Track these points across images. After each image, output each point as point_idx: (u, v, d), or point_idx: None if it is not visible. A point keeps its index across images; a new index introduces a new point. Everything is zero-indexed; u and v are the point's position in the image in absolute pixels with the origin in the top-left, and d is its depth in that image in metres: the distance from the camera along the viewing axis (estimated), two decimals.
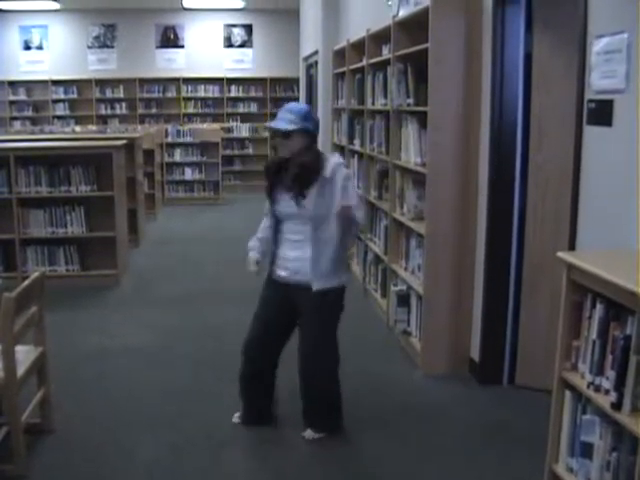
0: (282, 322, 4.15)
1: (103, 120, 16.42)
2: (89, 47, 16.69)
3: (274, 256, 4.10)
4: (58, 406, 4.34)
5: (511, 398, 4.71)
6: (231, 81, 16.93)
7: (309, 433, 4.19)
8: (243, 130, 16.59)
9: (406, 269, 5.77)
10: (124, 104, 16.81)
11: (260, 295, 4.19)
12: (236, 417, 4.34)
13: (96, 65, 16.71)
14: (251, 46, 17.14)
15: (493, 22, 4.63)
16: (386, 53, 6.40)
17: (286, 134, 3.90)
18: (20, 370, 3.68)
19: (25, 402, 3.83)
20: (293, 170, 3.92)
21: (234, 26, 17.05)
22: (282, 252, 4.06)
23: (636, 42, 3.18)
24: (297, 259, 3.99)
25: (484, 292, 4.87)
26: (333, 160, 4.00)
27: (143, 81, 16.68)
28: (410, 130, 5.55)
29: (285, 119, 3.91)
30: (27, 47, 16.57)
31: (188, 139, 14.08)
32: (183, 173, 14.17)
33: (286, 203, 3.98)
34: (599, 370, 2.75)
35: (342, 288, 4.13)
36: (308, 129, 3.94)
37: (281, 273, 4.07)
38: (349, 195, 3.89)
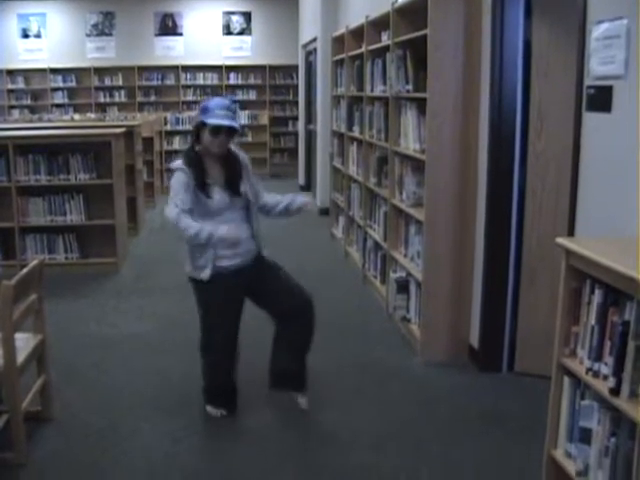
0: (240, 308, 4.24)
1: (102, 108, 16.38)
2: (87, 35, 16.65)
3: (212, 254, 4.02)
4: (58, 394, 4.36)
5: (510, 385, 4.72)
6: (230, 68, 16.91)
7: (304, 400, 4.37)
8: (242, 118, 16.57)
9: (405, 256, 5.77)
10: (123, 92, 16.79)
11: (208, 300, 4.17)
12: (218, 412, 4.33)
13: (95, 53, 16.68)
14: (250, 33, 17.10)
15: (492, 8, 4.61)
16: (385, 40, 6.38)
17: (233, 132, 4.04)
18: (20, 358, 3.69)
19: (25, 390, 3.84)
20: (234, 166, 4.15)
21: (233, 13, 17.01)
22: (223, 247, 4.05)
23: (635, 28, 3.17)
24: (242, 242, 4.07)
25: (483, 279, 4.88)
26: (238, 150, 4.27)
27: (142, 69, 16.65)
28: (409, 117, 5.54)
29: (230, 117, 4.00)
30: (25, 35, 16.53)
31: (187, 127, 14.06)
32: None
33: (221, 197, 4.05)
34: (598, 356, 2.76)
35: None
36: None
37: (229, 263, 4.07)
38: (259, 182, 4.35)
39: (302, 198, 4.32)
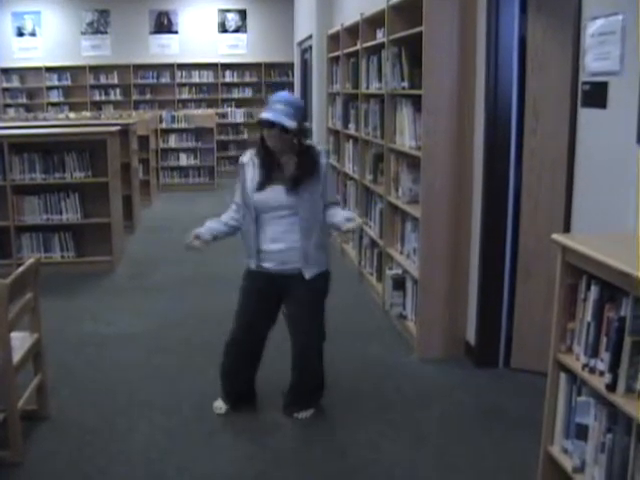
0: (267, 310, 4.16)
1: (97, 106, 16.39)
2: (82, 33, 16.65)
3: (255, 250, 4.03)
4: (54, 392, 4.35)
5: (507, 381, 4.73)
6: (225, 66, 16.92)
7: (303, 413, 4.26)
8: (238, 115, 16.54)
9: (401, 253, 5.78)
10: (118, 90, 16.79)
11: (243, 288, 4.17)
12: (221, 409, 4.33)
13: (90, 51, 16.67)
14: (245, 31, 17.10)
15: (487, 5, 4.61)
16: (380, 37, 6.38)
17: (284, 129, 3.81)
18: (16, 357, 3.68)
19: (21, 389, 3.83)
20: (302, 167, 3.92)
21: (228, 11, 17.01)
22: (264, 246, 4.02)
23: (630, 24, 3.17)
24: (282, 250, 3.99)
25: (479, 275, 4.88)
26: (321, 151, 4.07)
27: (137, 67, 16.65)
28: (405, 114, 5.54)
29: (285, 113, 3.79)
30: (20, 34, 16.52)
31: (183, 125, 14.04)
32: (178, 159, 14.14)
33: (275, 194, 3.94)
34: (594, 352, 2.76)
35: (328, 272, 4.19)
36: (303, 124, 3.95)
37: (266, 265, 4.04)
38: (333, 191, 4.19)
39: (348, 223, 3.88)
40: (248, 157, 4.06)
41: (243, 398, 4.37)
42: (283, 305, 4.17)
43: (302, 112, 3.95)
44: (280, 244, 3.99)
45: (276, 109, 3.80)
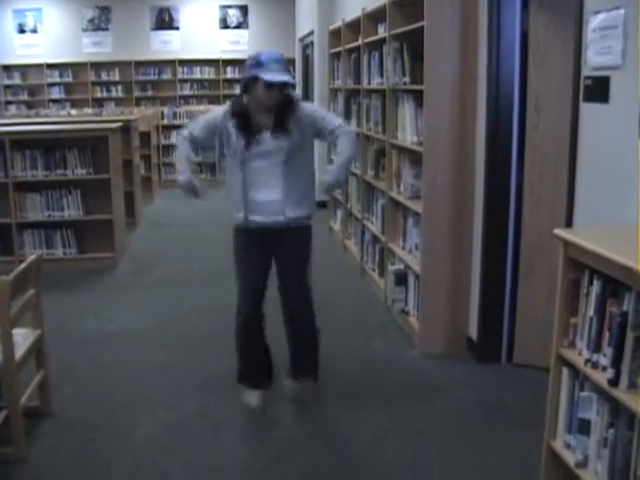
0: (266, 268, 4.22)
1: (99, 103, 16.38)
2: (84, 30, 16.65)
3: (244, 202, 4.04)
4: (57, 389, 4.35)
5: (509, 376, 4.72)
6: (227, 62, 16.90)
7: (294, 383, 4.42)
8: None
9: (403, 248, 5.77)
10: (120, 87, 16.79)
11: (237, 245, 4.19)
12: (252, 398, 4.32)
13: (91, 48, 16.67)
14: (247, 27, 17.10)
15: (489, 0, 4.60)
16: (382, 32, 6.37)
17: (285, 85, 3.91)
18: (18, 353, 3.68)
19: (24, 385, 3.84)
20: (285, 112, 3.98)
21: (229, 7, 17.00)
22: (253, 196, 4.03)
23: (632, 18, 3.16)
24: (273, 202, 4.02)
25: (482, 270, 4.87)
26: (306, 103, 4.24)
27: (138, 63, 16.64)
28: (406, 109, 5.54)
29: (282, 70, 3.88)
30: (21, 31, 16.52)
31: (185, 121, 14.02)
32: None
33: (262, 141, 3.99)
34: (596, 347, 2.75)
35: (310, 221, 4.23)
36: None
37: (256, 218, 4.05)
38: (330, 117, 4.21)
39: (321, 186, 4.15)
40: (225, 111, 4.08)
41: (267, 372, 4.41)
42: (274, 259, 4.23)
43: (288, 64, 4.03)
44: (268, 195, 4.02)
45: (275, 69, 3.86)
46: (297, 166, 4.05)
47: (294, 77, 3.92)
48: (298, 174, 4.06)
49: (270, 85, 3.84)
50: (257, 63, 3.87)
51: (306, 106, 4.16)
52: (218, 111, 4.14)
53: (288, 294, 4.23)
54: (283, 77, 3.86)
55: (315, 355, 4.41)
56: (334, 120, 4.17)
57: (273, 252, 4.19)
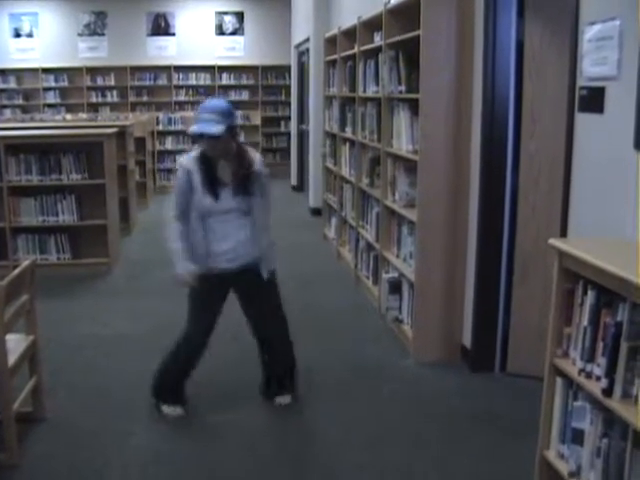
0: (221, 310, 4.27)
1: (94, 108, 16.34)
2: (80, 35, 16.61)
3: (204, 253, 4.10)
4: (50, 394, 4.34)
5: (503, 385, 4.73)
6: (222, 69, 16.90)
7: (284, 399, 4.44)
8: (236, 118, 16.52)
9: (398, 256, 5.78)
10: (115, 92, 16.76)
11: (195, 292, 4.19)
12: (176, 410, 4.33)
13: (87, 53, 16.64)
14: (242, 34, 17.08)
15: (485, 9, 4.61)
16: (378, 40, 6.39)
17: (216, 137, 3.93)
18: (11, 359, 3.68)
19: (17, 391, 3.83)
20: (239, 169, 4.06)
21: (225, 14, 17.00)
22: (216, 247, 4.10)
23: (628, 29, 3.18)
24: (234, 249, 4.10)
25: (476, 279, 4.88)
26: (255, 154, 4.25)
27: (134, 69, 16.62)
28: (402, 117, 5.55)
29: (211, 121, 3.90)
30: (17, 35, 16.48)
31: (179, 127, 14.04)
32: (175, 161, 14.08)
33: (224, 198, 4.05)
34: (590, 357, 2.76)
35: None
36: (234, 125, 4.09)
37: (221, 265, 4.11)
38: (269, 203, 4.30)
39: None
40: (192, 163, 4.08)
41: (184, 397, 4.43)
42: (242, 302, 4.31)
43: (228, 115, 4.00)
44: (230, 242, 4.09)
45: (202, 119, 3.94)
46: (258, 214, 4.17)
47: (229, 127, 3.91)
48: (266, 226, 4.24)
49: (197, 137, 3.98)
50: (197, 111, 4.05)
51: (263, 170, 4.20)
52: (183, 168, 4.10)
53: (267, 326, 4.34)
54: (200, 128, 3.91)
55: (294, 373, 4.52)
56: (267, 219, 4.30)
57: (239, 293, 4.29)
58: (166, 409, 4.32)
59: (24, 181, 7.37)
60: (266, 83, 17.00)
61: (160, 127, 14.05)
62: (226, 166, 4.06)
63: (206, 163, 4.04)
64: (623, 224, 3.15)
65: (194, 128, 3.93)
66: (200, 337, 4.24)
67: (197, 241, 4.10)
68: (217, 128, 3.89)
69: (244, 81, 17.03)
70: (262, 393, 4.49)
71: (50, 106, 16.44)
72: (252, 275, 4.17)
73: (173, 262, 4.11)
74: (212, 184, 4.03)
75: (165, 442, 4.01)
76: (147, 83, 16.79)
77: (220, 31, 17.03)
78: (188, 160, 4.10)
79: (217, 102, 4.12)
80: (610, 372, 2.60)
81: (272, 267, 4.25)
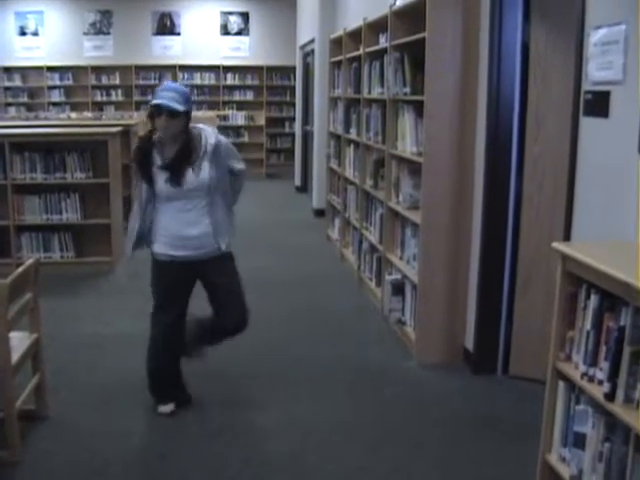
0: (188, 298, 4.29)
1: (99, 107, 16.36)
2: (85, 33, 16.63)
3: (170, 238, 4.09)
4: (53, 392, 4.35)
5: (505, 388, 4.73)
6: (227, 69, 16.91)
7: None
8: (239, 118, 16.56)
9: (401, 258, 5.78)
10: (120, 91, 16.77)
11: (160, 283, 4.21)
12: (167, 408, 4.32)
13: (92, 52, 16.65)
14: (248, 34, 17.09)
15: (491, 12, 4.61)
16: (383, 42, 6.39)
17: (175, 114, 3.90)
18: (14, 357, 3.69)
19: (19, 388, 3.84)
20: (183, 153, 4.03)
21: (231, 14, 17.01)
22: (177, 232, 4.08)
23: (634, 34, 3.18)
24: (198, 236, 4.09)
25: (479, 282, 4.88)
26: (209, 130, 4.19)
27: (139, 68, 16.64)
28: (406, 119, 5.55)
29: (173, 99, 3.88)
30: (23, 33, 16.50)
31: None
32: None
33: (163, 185, 4.02)
34: (593, 361, 2.76)
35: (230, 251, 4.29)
36: (190, 112, 4.06)
37: (180, 253, 4.09)
38: (237, 158, 4.34)
39: None
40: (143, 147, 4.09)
41: (180, 394, 4.41)
42: (207, 287, 4.25)
43: (187, 99, 4.02)
44: (193, 230, 4.07)
45: (163, 96, 3.91)
46: (220, 197, 4.14)
47: (186, 112, 3.94)
48: (220, 205, 4.15)
49: (157, 111, 3.89)
50: (154, 92, 4.00)
51: (222, 139, 4.21)
52: (138, 155, 4.11)
53: (232, 316, 4.24)
54: (164, 101, 3.87)
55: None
56: (239, 163, 4.35)
57: (204, 282, 4.24)
58: (161, 408, 4.31)
59: (28, 179, 7.38)
60: (271, 84, 17.01)
61: None
62: (171, 151, 4.03)
63: (143, 151, 4.06)
64: (627, 229, 3.15)
65: (157, 100, 3.88)
66: (170, 330, 4.23)
67: (160, 224, 4.13)
68: (179, 106, 3.88)
69: (249, 81, 17.04)
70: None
71: (55, 104, 16.46)
72: (217, 261, 4.17)
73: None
74: (146, 170, 4.04)
75: (167, 441, 4.01)
76: (152, 82, 16.78)
77: (225, 31, 17.05)
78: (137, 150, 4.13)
79: (179, 85, 4.16)
80: (613, 376, 2.60)
81: (229, 239, 4.19)
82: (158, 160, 4.03)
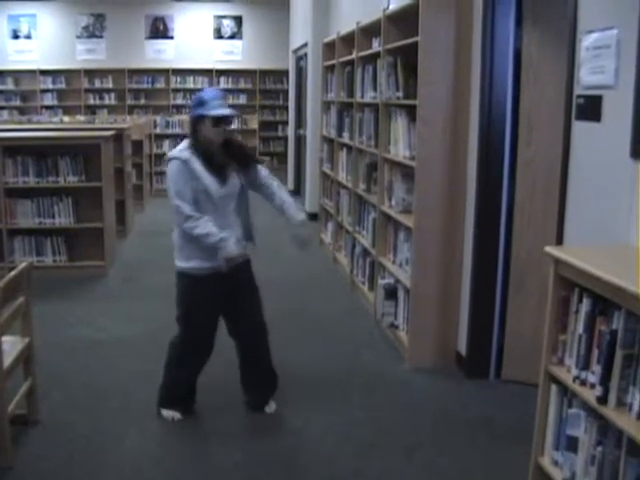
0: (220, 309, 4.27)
1: (92, 110, 16.36)
2: (78, 37, 16.65)
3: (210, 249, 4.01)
4: (45, 397, 4.34)
5: (497, 392, 4.73)
6: (220, 73, 16.95)
7: (272, 406, 4.41)
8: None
9: (394, 262, 5.78)
10: (113, 95, 16.79)
11: (197, 298, 4.16)
12: (171, 414, 4.32)
13: (85, 55, 16.67)
14: (241, 38, 17.13)
15: (483, 17, 4.63)
16: (376, 46, 6.40)
17: (231, 120, 4.14)
18: (6, 361, 3.67)
19: (11, 393, 3.82)
20: (244, 150, 4.30)
21: (224, 17, 17.04)
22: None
23: (625, 38, 3.19)
24: (238, 240, 4.12)
25: (471, 286, 4.89)
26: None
27: (132, 72, 16.65)
28: (399, 123, 5.56)
29: (224, 106, 4.02)
30: (15, 36, 16.51)
31: (177, 130, 14.04)
32: None
33: (234, 182, 4.12)
34: (585, 364, 2.77)
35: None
36: None
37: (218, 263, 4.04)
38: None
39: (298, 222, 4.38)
40: (187, 154, 4.00)
41: (191, 403, 4.42)
42: (226, 300, 4.22)
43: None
44: (231, 234, 4.06)
45: (219, 105, 4.01)
46: (245, 201, 4.24)
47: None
48: (246, 208, 4.25)
49: (218, 121, 3.97)
50: (201, 102, 4.00)
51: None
52: (178, 160, 3.98)
53: (251, 327, 4.27)
54: (229, 111, 4.03)
55: (274, 384, 4.46)
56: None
57: (231, 291, 4.19)
58: (165, 413, 4.32)
59: (21, 183, 7.36)
60: (264, 87, 17.04)
61: (157, 130, 14.05)
62: (218, 153, 4.06)
63: (202, 152, 4.01)
64: (619, 233, 3.16)
65: (217, 111, 3.95)
66: (205, 346, 4.25)
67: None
68: (233, 111, 4.14)
69: (242, 85, 17.08)
70: (247, 404, 4.44)
71: (47, 108, 16.46)
72: (243, 269, 4.21)
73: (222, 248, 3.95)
74: (219, 168, 4.04)
75: (160, 445, 4.01)
76: (145, 86, 16.82)
77: (218, 35, 17.08)
78: (181, 152, 4.02)
79: (219, 90, 4.28)
80: (605, 380, 2.61)
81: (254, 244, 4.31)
82: (202, 168, 3.98)
